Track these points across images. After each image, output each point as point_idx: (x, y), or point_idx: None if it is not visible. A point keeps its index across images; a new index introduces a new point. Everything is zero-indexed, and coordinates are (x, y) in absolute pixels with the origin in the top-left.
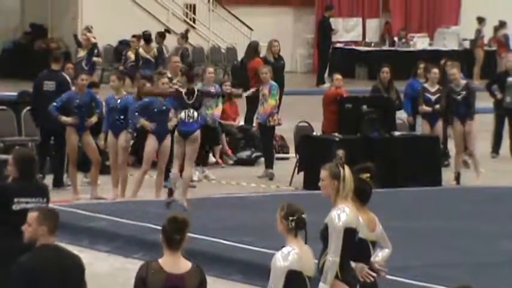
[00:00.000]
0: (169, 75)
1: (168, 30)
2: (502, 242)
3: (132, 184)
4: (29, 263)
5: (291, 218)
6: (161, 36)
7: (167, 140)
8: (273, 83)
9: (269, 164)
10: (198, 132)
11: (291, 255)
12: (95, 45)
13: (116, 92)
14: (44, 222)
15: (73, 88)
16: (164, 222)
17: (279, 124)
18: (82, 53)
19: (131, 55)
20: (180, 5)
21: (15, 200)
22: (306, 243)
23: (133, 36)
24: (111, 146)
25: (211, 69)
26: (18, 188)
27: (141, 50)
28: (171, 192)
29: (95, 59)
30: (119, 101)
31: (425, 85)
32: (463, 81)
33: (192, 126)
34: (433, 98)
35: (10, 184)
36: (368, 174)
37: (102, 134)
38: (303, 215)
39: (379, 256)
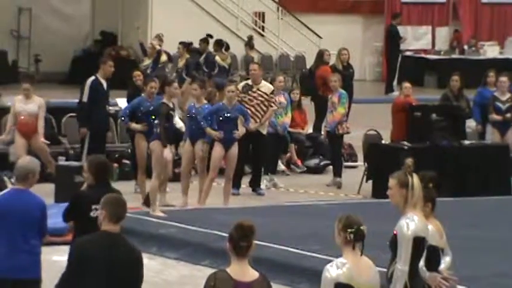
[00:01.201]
0: (250, 83)
1: (211, 36)
2: None
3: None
4: (81, 244)
5: (349, 230)
6: (205, 41)
7: (234, 148)
8: (342, 91)
9: (337, 173)
10: None
11: (341, 267)
12: (159, 52)
13: (196, 100)
14: (104, 206)
15: (142, 95)
16: (231, 230)
17: (348, 132)
18: (147, 61)
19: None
20: (249, 13)
21: (93, 207)
22: (361, 255)
23: (181, 43)
24: (187, 153)
25: (281, 78)
26: (95, 194)
27: (217, 58)
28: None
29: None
30: (199, 109)
31: (496, 94)
32: None
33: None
34: (504, 106)
35: (87, 191)
36: (431, 184)
37: (183, 142)
38: (361, 227)
39: (442, 264)
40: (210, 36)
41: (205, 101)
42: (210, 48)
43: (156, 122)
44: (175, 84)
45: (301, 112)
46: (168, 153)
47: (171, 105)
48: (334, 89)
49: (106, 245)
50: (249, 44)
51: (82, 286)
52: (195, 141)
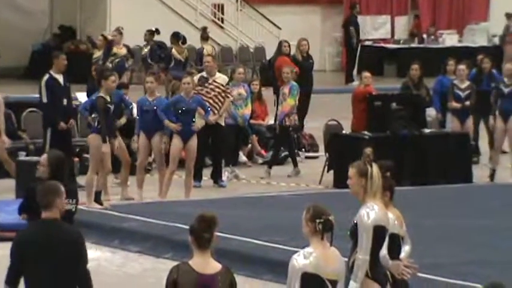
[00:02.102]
0: (205, 75)
1: (157, 30)
2: None
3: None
4: (20, 232)
5: (317, 221)
6: (151, 33)
7: (193, 140)
8: (294, 83)
9: (294, 162)
10: None
11: (308, 257)
12: (110, 43)
13: (151, 93)
14: (39, 198)
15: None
16: (193, 222)
17: (295, 125)
18: (98, 53)
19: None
20: (208, 4)
21: None
22: (331, 245)
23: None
24: (143, 147)
25: (241, 70)
26: None
27: (173, 51)
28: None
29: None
30: (153, 102)
31: (455, 82)
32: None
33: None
34: (463, 94)
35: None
36: (389, 173)
37: (135, 136)
38: (330, 217)
39: (403, 253)
40: (157, 30)
41: (158, 94)
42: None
43: (93, 116)
44: (113, 78)
45: (262, 103)
46: (106, 147)
47: (108, 99)
48: (286, 80)
49: (42, 229)
50: (203, 35)
51: (23, 270)
52: (151, 134)
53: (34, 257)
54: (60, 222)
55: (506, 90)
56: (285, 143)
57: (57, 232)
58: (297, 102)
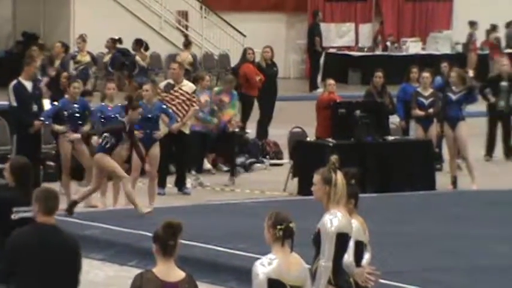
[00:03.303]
0: (172, 82)
1: (120, 39)
2: (497, 246)
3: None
4: (16, 235)
5: (278, 227)
6: (113, 42)
7: (155, 147)
8: (235, 92)
9: (233, 170)
10: None
11: (270, 263)
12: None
13: (109, 100)
14: (36, 201)
15: (66, 96)
16: (157, 230)
17: (238, 127)
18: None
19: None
20: (172, 12)
21: (14, 209)
22: (291, 252)
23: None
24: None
25: (207, 77)
26: (16, 196)
27: (137, 58)
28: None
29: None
30: (114, 109)
31: (419, 89)
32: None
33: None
34: (427, 102)
35: (7, 193)
36: (354, 180)
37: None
38: (290, 224)
39: (364, 260)
40: (120, 40)
41: (117, 102)
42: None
43: (105, 135)
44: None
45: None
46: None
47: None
48: (229, 90)
49: (39, 234)
50: (185, 43)
51: (17, 274)
52: None
53: (28, 260)
54: (59, 229)
55: (453, 97)
56: (232, 149)
57: (56, 238)
58: (237, 111)
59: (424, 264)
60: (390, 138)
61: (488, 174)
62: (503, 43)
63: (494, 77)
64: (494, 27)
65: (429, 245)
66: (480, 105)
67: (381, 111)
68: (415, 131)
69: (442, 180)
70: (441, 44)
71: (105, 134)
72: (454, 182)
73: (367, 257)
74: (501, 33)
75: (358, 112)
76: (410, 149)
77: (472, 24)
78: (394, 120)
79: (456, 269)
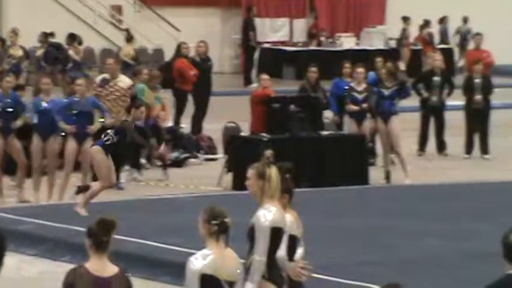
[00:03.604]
0: (108, 77)
1: (52, 33)
2: (426, 240)
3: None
4: None
5: (213, 222)
6: (45, 36)
7: (88, 143)
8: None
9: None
10: None
11: (205, 259)
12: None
13: (46, 94)
14: None
15: None
16: (91, 225)
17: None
18: None
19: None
20: (106, 6)
21: None
22: (226, 247)
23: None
24: (38, 149)
25: (145, 71)
26: None
27: (70, 52)
28: None
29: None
30: (49, 104)
31: (352, 84)
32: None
33: None
34: (360, 97)
35: None
36: (288, 175)
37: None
38: (225, 219)
39: (297, 255)
40: (52, 34)
41: (52, 96)
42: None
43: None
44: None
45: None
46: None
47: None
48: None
49: None
50: (127, 37)
51: None
52: (46, 136)
53: None
54: None
55: (386, 92)
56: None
57: None
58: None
59: (356, 258)
60: (324, 133)
61: (421, 169)
62: (436, 38)
63: (427, 72)
64: (427, 23)
65: (362, 239)
66: (413, 100)
67: (315, 106)
68: (349, 126)
69: (376, 174)
70: (375, 39)
71: (108, 131)
72: (388, 177)
73: (300, 251)
74: (434, 29)
75: (292, 107)
76: (344, 143)
77: (405, 19)
78: (328, 115)
79: (388, 262)
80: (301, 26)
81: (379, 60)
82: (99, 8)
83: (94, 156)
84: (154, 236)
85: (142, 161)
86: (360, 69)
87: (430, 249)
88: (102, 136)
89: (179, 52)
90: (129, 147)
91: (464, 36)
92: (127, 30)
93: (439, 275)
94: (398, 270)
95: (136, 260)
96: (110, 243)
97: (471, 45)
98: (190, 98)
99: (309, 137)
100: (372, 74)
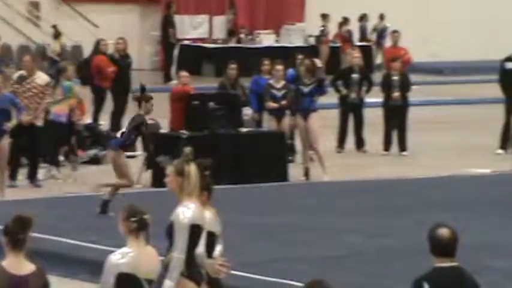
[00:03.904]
0: (25, 74)
1: None
2: (346, 236)
3: None
4: None
5: (132, 219)
6: None
7: (4, 140)
8: (68, 83)
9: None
10: None
11: (124, 257)
12: None
13: None
14: None
15: None
16: (8, 223)
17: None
18: None
19: None
20: (23, 2)
21: None
22: (147, 244)
23: None
24: None
25: (71, 68)
26: None
27: None
28: None
29: None
30: None
31: (271, 82)
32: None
33: None
34: (279, 94)
35: None
36: (207, 172)
37: None
38: (144, 216)
39: (216, 252)
40: None
41: None
42: None
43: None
44: None
45: (80, 102)
46: None
47: None
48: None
49: None
50: (54, 33)
51: None
52: None
53: None
54: None
55: (305, 89)
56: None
57: None
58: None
59: (276, 254)
60: (243, 130)
61: (340, 166)
62: (355, 36)
63: (346, 69)
64: (346, 20)
65: (281, 236)
66: (332, 97)
67: (235, 103)
68: (268, 123)
69: (295, 171)
70: (294, 37)
71: (124, 130)
72: (307, 174)
73: (219, 248)
74: (353, 26)
75: (211, 104)
76: (264, 140)
77: (324, 16)
78: (247, 112)
79: (307, 259)
80: (220, 23)
81: (300, 57)
82: (16, 4)
83: (115, 158)
84: (72, 233)
85: (60, 158)
86: (279, 67)
87: (349, 246)
88: (119, 136)
89: (98, 49)
90: (43, 145)
91: (380, 34)
92: (54, 26)
93: (358, 271)
94: (318, 267)
95: (53, 257)
96: (26, 241)
97: (388, 43)
98: (109, 95)
99: (228, 134)
100: (291, 71)
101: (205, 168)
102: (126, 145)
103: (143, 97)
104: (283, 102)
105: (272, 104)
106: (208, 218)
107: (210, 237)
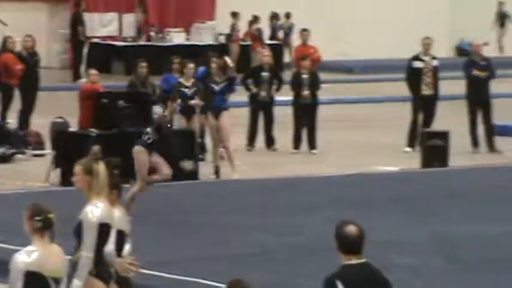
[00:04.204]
0: None
1: None
2: (256, 234)
3: None
4: None
5: (36, 218)
6: None
7: None
8: None
9: None
10: None
11: (29, 255)
12: None
13: None
14: None
15: None
16: None
17: None
18: None
19: None
20: None
21: None
22: (52, 243)
23: None
24: None
25: None
26: None
27: None
28: None
29: None
30: None
31: (181, 80)
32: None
33: None
34: (189, 92)
35: None
36: (116, 170)
37: None
38: (49, 215)
39: (126, 250)
40: None
41: None
42: None
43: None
44: None
45: None
46: None
47: None
48: None
49: None
50: None
51: None
52: None
53: None
54: None
55: (216, 87)
56: None
57: None
58: None
59: (186, 254)
60: None
61: (250, 164)
62: (266, 34)
63: (256, 67)
64: (256, 19)
65: (192, 235)
66: (242, 96)
67: (144, 101)
68: (179, 121)
69: (205, 169)
70: (204, 35)
71: (148, 129)
72: (217, 172)
73: (128, 247)
74: (263, 25)
75: (121, 102)
76: (174, 138)
77: (235, 15)
78: (158, 110)
79: (218, 257)
80: (130, 21)
81: (213, 55)
82: None
83: (137, 156)
84: None
85: None
86: (191, 65)
87: (259, 244)
88: (142, 136)
89: (5, 46)
90: None
91: (287, 32)
92: None
93: (268, 270)
94: (229, 266)
95: None
96: None
97: (296, 41)
98: (17, 92)
99: (138, 133)
100: (202, 69)
101: (114, 167)
102: (148, 144)
103: (170, 97)
104: (193, 101)
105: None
106: (117, 216)
107: (119, 236)
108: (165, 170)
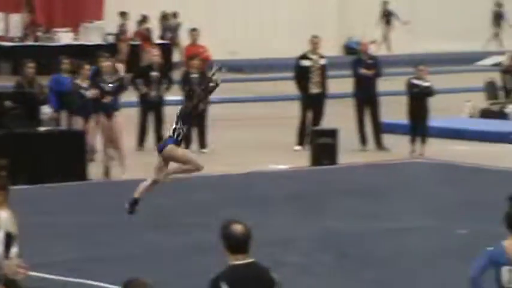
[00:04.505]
0: None
1: None
2: (145, 234)
3: None
4: None
5: None
6: None
7: None
8: None
9: None
10: None
11: None
12: None
13: None
14: None
15: None
16: None
17: None
18: None
19: None
20: None
21: None
22: None
23: None
24: None
25: None
26: None
27: None
28: None
29: None
30: None
31: (78, 81)
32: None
33: None
34: (87, 93)
35: None
36: (3, 172)
37: None
38: None
39: (13, 252)
40: None
41: None
42: None
43: (178, 126)
44: None
45: None
46: None
47: None
48: None
49: None
50: None
51: None
52: None
53: None
54: None
55: (107, 87)
56: None
57: None
58: None
59: (77, 254)
60: (41, 129)
61: (140, 164)
62: (155, 34)
63: (145, 67)
64: (145, 18)
65: (82, 236)
66: (132, 96)
67: (32, 102)
68: (75, 122)
69: (95, 170)
70: (93, 35)
71: (176, 126)
72: (107, 172)
73: (15, 249)
74: (152, 24)
75: (8, 103)
76: (63, 139)
77: (123, 14)
78: (46, 110)
79: (108, 258)
80: (17, 20)
81: (104, 55)
82: None
83: (173, 154)
84: None
85: None
86: (87, 66)
87: (148, 244)
88: (172, 134)
89: None
90: None
91: (174, 31)
92: None
93: (159, 269)
94: (119, 266)
95: None
96: None
97: (185, 41)
98: None
99: (26, 133)
100: (94, 68)
101: (1, 168)
102: (178, 141)
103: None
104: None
105: (79, 101)
106: (5, 218)
107: (8, 238)
108: (199, 161)
